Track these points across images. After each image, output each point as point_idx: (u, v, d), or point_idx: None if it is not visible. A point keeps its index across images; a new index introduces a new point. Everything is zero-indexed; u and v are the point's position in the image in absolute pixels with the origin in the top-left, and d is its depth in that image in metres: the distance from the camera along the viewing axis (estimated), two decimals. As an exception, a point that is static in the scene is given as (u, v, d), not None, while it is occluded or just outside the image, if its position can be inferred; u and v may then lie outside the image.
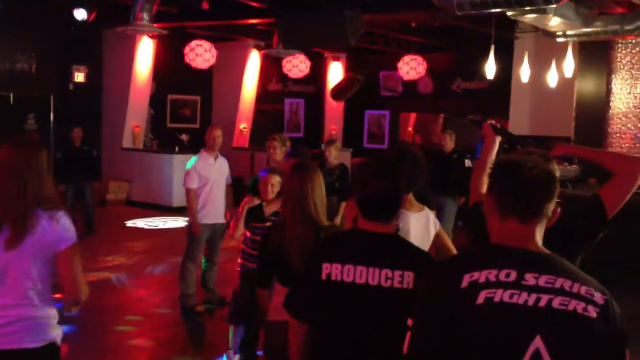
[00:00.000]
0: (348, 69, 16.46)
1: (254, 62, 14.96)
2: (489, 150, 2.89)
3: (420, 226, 3.28)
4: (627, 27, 8.71)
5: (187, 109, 14.93)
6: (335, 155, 7.58)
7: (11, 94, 12.32)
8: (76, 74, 12.91)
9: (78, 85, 13.00)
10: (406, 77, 14.36)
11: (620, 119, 11.11)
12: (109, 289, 7.46)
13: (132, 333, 6.11)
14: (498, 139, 2.91)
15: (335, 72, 16.46)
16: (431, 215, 3.38)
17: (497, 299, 1.69)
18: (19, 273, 2.67)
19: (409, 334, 1.83)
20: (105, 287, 7.49)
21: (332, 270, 2.39)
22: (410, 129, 17.66)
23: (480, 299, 1.70)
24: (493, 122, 2.97)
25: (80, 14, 9.78)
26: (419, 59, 14.06)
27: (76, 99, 12.92)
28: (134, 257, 8.90)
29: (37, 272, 2.69)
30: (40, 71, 12.44)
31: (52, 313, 2.78)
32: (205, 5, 10.06)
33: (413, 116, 17.52)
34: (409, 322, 1.84)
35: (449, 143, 9.14)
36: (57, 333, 2.79)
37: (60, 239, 2.69)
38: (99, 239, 9.89)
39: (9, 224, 2.64)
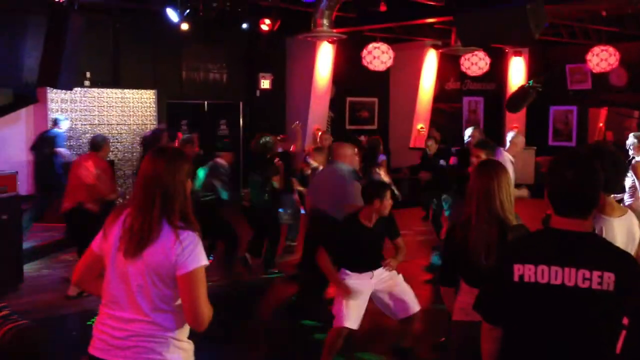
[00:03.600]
0: (531, 63, 15.77)
1: (431, 61, 14.85)
2: None
3: (625, 230, 3.05)
4: None
5: (365, 110, 15.19)
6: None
7: (205, 102, 13.38)
8: (262, 81, 13.67)
9: (264, 92, 13.75)
10: (596, 70, 13.43)
11: None
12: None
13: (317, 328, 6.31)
14: None
15: (518, 68, 15.83)
16: (634, 217, 3.13)
17: None
18: (137, 287, 2.58)
19: (623, 332, 1.73)
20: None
21: (525, 271, 2.31)
22: (601, 124, 16.48)
23: None
24: None
25: (172, 15, 9.77)
26: (611, 49, 13.08)
27: (262, 105, 13.70)
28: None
29: (156, 289, 2.57)
30: (230, 80, 13.38)
31: (178, 334, 2.64)
32: (383, 8, 10.16)
33: (604, 111, 16.34)
34: (625, 321, 1.74)
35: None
36: (176, 356, 2.64)
37: (180, 263, 2.52)
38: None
39: (134, 231, 2.56)
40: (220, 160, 7.85)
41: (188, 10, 9.83)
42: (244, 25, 10.54)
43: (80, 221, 6.92)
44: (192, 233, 2.56)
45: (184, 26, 10.27)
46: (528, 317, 2.35)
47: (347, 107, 14.94)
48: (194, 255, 2.53)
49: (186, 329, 2.67)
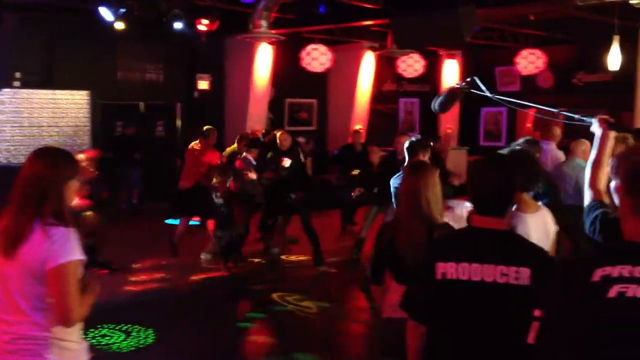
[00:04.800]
0: (464, 66, 16.19)
1: (368, 63, 15.06)
2: (604, 146, 2.82)
3: (540, 226, 3.23)
4: None
5: (303, 112, 15.28)
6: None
7: (141, 103, 13.19)
8: (200, 82, 13.56)
9: (202, 92, 13.64)
10: (524, 72, 13.92)
11: None
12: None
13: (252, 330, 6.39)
14: (612, 135, 2.83)
15: (451, 70, 16.23)
16: (548, 214, 3.32)
17: (630, 293, 1.69)
18: (15, 287, 2.57)
19: (536, 324, 1.87)
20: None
21: (447, 269, 2.42)
22: (529, 125, 17.07)
23: (612, 293, 1.70)
24: (606, 116, 2.89)
25: (106, 14, 9.67)
26: (538, 52, 13.58)
27: (200, 106, 13.57)
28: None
29: (32, 288, 2.55)
30: (167, 80, 13.22)
31: (62, 334, 2.61)
32: (322, 10, 10.29)
33: (532, 112, 16.92)
34: (536, 313, 1.88)
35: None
36: (58, 358, 2.60)
37: (49, 257, 2.51)
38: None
39: (8, 231, 2.58)
40: (248, 156, 8.66)
41: (123, 10, 9.69)
42: (181, 25, 10.44)
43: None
44: (63, 229, 2.56)
45: (119, 25, 10.11)
46: (451, 313, 2.46)
47: (286, 108, 15.00)
48: (64, 249, 2.53)
49: (74, 328, 2.65)
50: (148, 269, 8.24)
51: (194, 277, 8.03)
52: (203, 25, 11.14)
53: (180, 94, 13.45)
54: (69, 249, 2.55)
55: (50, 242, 2.52)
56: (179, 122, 13.62)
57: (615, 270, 1.74)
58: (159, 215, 10.76)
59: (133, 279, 7.81)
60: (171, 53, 13.06)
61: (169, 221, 10.19)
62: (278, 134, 9.02)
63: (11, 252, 2.56)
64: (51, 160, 2.68)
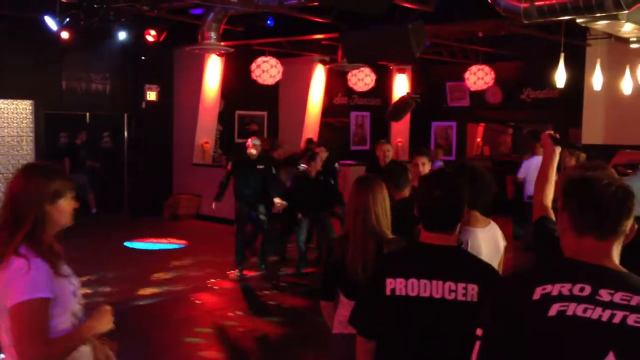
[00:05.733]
0: (414, 81, 16.38)
1: (319, 76, 15.08)
2: (550, 162, 2.83)
3: (490, 241, 3.22)
4: None
5: (254, 124, 15.18)
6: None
7: (87, 114, 12.87)
8: (148, 92, 13.33)
9: (150, 103, 13.42)
10: (473, 88, 14.16)
11: (697, 125, 10.62)
12: (179, 301, 7.65)
13: (201, 345, 6.23)
14: (558, 150, 2.84)
15: (401, 85, 16.40)
16: (497, 229, 3.32)
17: (569, 312, 1.68)
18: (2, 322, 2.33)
19: (477, 343, 1.83)
20: (176, 299, 7.69)
21: (396, 285, 2.39)
22: (478, 140, 17.37)
23: (553, 312, 1.69)
24: (552, 132, 2.91)
25: (51, 23, 9.37)
26: (487, 68, 13.84)
27: (148, 117, 13.36)
28: (205, 270, 9.07)
29: (5, 323, 2.31)
30: (114, 91, 12.94)
31: None
32: (270, 24, 10.24)
33: (481, 127, 17.24)
34: (478, 332, 1.84)
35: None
36: None
37: (8, 293, 2.26)
38: (169, 253, 10.21)
39: None
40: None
41: (68, 19, 9.44)
42: (124, 36, 10.24)
43: None
44: (22, 261, 2.25)
45: (65, 34, 9.87)
46: (399, 329, 2.42)
47: (236, 121, 14.87)
48: (20, 286, 2.23)
49: None
50: (94, 284, 8.01)
51: (143, 292, 7.85)
52: (151, 36, 10.98)
53: (127, 105, 13.19)
54: (28, 285, 2.23)
55: (7, 277, 2.26)
56: (126, 133, 13.35)
57: (555, 289, 1.72)
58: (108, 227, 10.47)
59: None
60: (118, 63, 12.81)
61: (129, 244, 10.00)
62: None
63: None
64: (29, 177, 2.39)
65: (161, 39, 11.03)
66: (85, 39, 10.95)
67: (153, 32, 10.88)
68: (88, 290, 7.65)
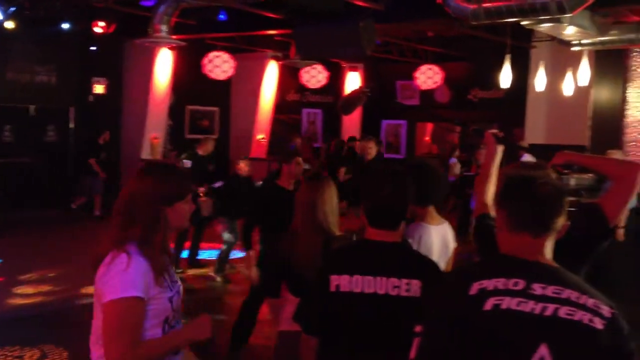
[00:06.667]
0: (366, 78, 16.50)
1: (271, 72, 15.06)
2: (491, 160, 2.89)
3: (442, 238, 3.29)
4: (643, 36, 8.66)
5: (205, 119, 15.05)
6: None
7: (31, 106, 12.54)
8: (96, 85, 13.06)
9: (98, 97, 13.15)
10: (423, 87, 14.36)
11: (635, 127, 11.05)
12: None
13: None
14: (500, 149, 2.92)
15: (353, 82, 16.50)
16: (449, 228, 3.39)
17: (504, 306, 1.73)
18: (95, 317, 2.32)
19: (416, 340, 1.87)
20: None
21: (341, 281, 2.41)
22: (427, 138, 17.62)
23: (488, 306, 1.74)
24: (495, 131, 2.98)
25: None
26: (436, 68, 14.06)
27: (96, 111, 13.08)
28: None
29: (96, 319, 2.30)
30: (61, 83, 12.64)
31: None
32: (223, 18, 10.17)
33: (430, 126, 17.48)
34: (417, 328, 1.88)
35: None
36: None
37: (104, 290, 2.23)
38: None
39: (94, 251, 2.34)
40: None
41: (13, 8, 9.20)
42: (69, 27, 10.01)
43: None
44: (125, 258, 2.22)
45: (9, 24, 9.61)
46: (344, 326, 2.44)
47: (186, 116, 14.71)
48: (117, 283, 2.19)
49: None
50: (35, 281, 7.81)
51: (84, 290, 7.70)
52: (99, 27, 10.78)
53: (73, 98, 12.90)
54: (124, 283, 2.18)
55: (107, 273, 2.21)
56: (72, 127, 13.06)
57: (491, 284, 1.78)
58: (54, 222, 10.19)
59: (19, 291, 7.39)
60: (65, 55, 12.51)
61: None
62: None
63: (94, 276, 2.28)
64: (146, 177, 2.34)
65: (110, 30, 10.83)
66: (30, 29, 10.67)
67: (102, 24, 10.67)
68: (29, 290, 7.49)
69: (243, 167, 8.05)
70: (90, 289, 7.56)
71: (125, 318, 2.18)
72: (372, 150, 8.11)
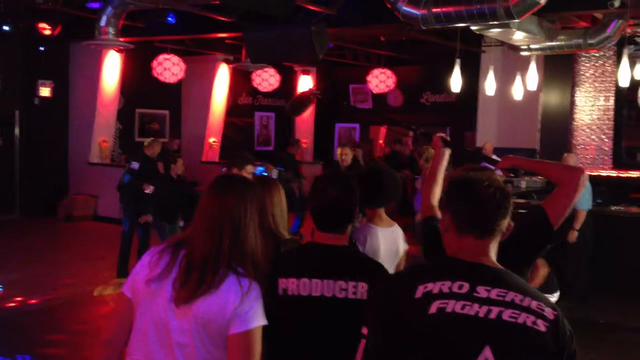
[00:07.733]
0: (318, 82, 16.52)
1: (223, 75, 14.93)
2: (438, 163, 2.91)
3: (390, 241, 3.28)
4: (590, 41, 8.87)
5: (155, 123, 14.83)
6: None
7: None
8: (41, 88, 12.72)
9: (44, 99, 12.82)
10: (376, 90, 14.45)
11: (584, 130, 11.32)
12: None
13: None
14: (447, 152, 2.93)
15: (306, 86, 16.48)
16: (400, 230, 3.39)
17: (449, 309, 1.72)
18: (178, 345, 2.13)
19: (362, 342, 1.86)
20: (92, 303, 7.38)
21: (289, 285, 2.40)
22: (380, 141, 17.73)
23: (433, 309, 1.72)
24: (443, 135, 3.00)
25: None
26: (388, 72, 14.16)
27: (42, 114, 12.76)
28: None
29: (203, 351, 2.12)
30: (5, 86, 12.26)
31: None
32: (171, 21, 10.03)
33: (383, 129, 17.59)
34: (364, 330, 1.87)
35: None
36: None
37: (237, 319, 2.10)
38: (68, 256, 9.78)
39: (191, 275, 2.13)
40: None
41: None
42: (10, 28, 9.72)
43: None
44: (255, 283, 2.16)
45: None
46: (292, 329, 2.42)
47: (136, 119, 14.46)
48: (254, 311, 2.12)
49: None
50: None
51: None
52: (46, 29, 10.50)
53: (18, 101, 12.53)
54: (259, 310, 2.14)
55: (240, 299, 2.10)
56: (17, 131, 12.69)
57: (436, 287, 1.77)
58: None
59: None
60: (9, 57, 12.14)
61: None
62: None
63: (187, 302, 2.10)
64: (242, 194, 2.26)
65: (56, 33, 10.56)
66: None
67: (47, 26, 10.39)
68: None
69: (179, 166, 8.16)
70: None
71: (259, 346, 2.16)
72: (347, 157, 8.07)
